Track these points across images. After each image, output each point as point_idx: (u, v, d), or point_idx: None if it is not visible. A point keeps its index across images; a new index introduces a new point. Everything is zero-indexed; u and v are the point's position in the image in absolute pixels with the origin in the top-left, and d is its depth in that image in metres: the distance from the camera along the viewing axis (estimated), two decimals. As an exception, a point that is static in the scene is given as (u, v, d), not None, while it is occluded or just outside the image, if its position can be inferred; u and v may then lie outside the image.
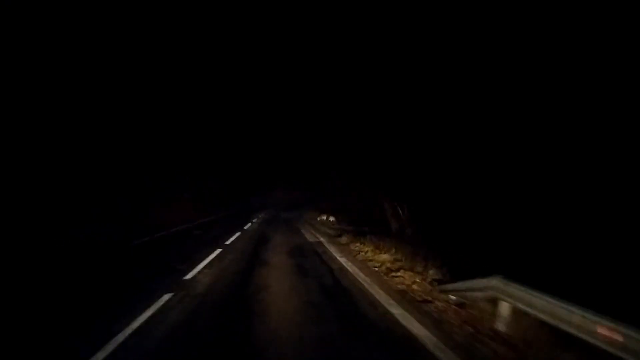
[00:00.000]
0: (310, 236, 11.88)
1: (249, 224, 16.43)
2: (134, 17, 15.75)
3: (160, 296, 4.52)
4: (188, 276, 5.67)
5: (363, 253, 7.91)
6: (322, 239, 10.98)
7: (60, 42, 12.08)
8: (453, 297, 4.38)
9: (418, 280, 5.29)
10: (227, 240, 10.40)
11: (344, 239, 10.73)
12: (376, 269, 6.39)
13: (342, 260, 7.37)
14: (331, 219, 18.35)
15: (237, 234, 12.17)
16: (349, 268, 6.52)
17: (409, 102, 11.23)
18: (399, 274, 5.74)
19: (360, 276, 5.80)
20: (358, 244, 9.24)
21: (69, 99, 12.50)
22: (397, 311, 4.16)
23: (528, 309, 3.19)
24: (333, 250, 8.77)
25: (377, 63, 12.86)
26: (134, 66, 16.48)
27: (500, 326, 3.53)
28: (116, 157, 15.23)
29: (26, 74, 10.81)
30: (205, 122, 27.19)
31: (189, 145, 24.65)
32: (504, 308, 3.54)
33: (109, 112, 14.76)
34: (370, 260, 7.12)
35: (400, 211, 12.45)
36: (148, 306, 4.12)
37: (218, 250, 8.28)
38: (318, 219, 19.19)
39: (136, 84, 16.89)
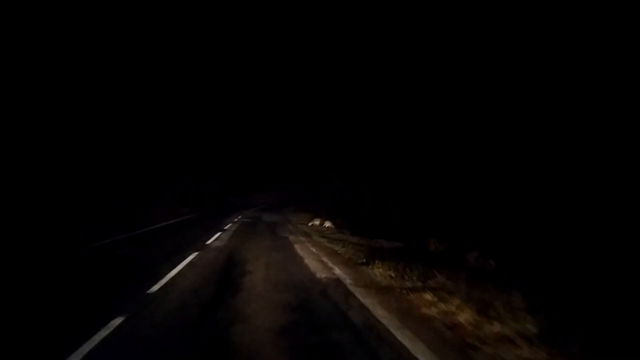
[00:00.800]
0: (314, 262, 6.94)
1: (220, 233, 11.09)
2: (134, 18, 15.78)
3: None
4: None
5: (488, 349, 3.06)
6: (338, 272, 6.09)
7: (61, 42, 11.79)
8: None
9: None
10: (164, 275, 5.31)
11: (379, 271, 5.93)
12: None
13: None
14: (327, 224, 14.17)
15: (192, 256, 7.07)
16: None
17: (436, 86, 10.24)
18: None
19: None
20: (428, 296, 4.44)
21: (70, 99, 12.32)
22: None
23: None
24: (389, 322, 3.80)
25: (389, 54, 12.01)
26: (134, 67, 16.39)
27: None
28: (116, 157, 15.07)
29: (27, 75, 10.49)
30: (205, 122, 27.47)
31: (189, 145, 24.60)
32: None
33: (110, 113, 14.61)
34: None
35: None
36: None
37: (105, 333, 3.22)
38: (310, 224, 14.79)
39: (137, 84, 16.77)
